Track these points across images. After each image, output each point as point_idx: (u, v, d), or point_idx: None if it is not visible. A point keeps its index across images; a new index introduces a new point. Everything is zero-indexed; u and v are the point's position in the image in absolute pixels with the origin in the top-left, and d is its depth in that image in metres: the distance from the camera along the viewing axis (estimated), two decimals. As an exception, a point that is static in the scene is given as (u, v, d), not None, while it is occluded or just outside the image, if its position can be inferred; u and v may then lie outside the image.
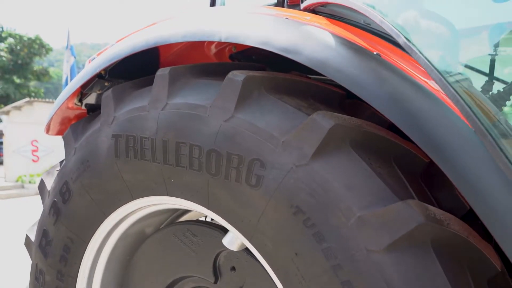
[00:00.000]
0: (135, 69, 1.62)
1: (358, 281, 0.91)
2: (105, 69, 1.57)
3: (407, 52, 1.01)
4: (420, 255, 0.89)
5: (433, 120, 0.88)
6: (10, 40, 30.06)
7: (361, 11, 1.06)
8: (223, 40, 1.16)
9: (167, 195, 1.29)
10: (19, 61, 29.99)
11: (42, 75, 31.55)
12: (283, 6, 1.64)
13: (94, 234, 1.51)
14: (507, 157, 0.71)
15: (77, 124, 1.63)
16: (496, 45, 1.43)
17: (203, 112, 1.16)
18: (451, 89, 0.77)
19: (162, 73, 1.28)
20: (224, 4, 1.95)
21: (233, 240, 1.21)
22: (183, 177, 1.21)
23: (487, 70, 1.44)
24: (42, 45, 30.81)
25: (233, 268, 1.36)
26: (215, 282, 1.38)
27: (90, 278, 1.59)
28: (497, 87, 1.48)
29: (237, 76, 1.12)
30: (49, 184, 1.67)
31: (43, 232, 1.63)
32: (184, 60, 1.79)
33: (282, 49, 1.07)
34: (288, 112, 1.07)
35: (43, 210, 1.65)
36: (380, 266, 0.89)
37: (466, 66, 1.33)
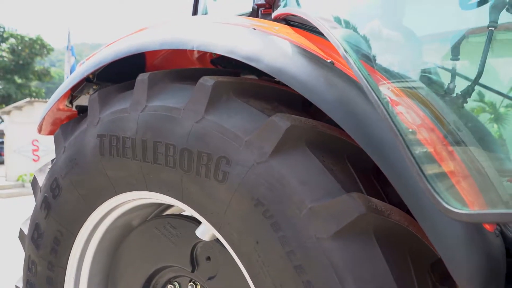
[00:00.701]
0: (125, 72, 1.72)
1: (309, 265, 1.02)
2: (92, 73, 1.68)
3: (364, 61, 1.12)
4: (363, 242, 1.00)
5: (372, 122, 0.99)
6: (12, 40, 30.20)
7: (312, 23, 1.17)
8: (195, 49, 1.27)
9: (147, 190, 1.40)
10: (21, 61, 30.14)
11: (43, 75, 31.70)
12: (257, 16, 1.75)
13: (82, 227, 1.62)
14: (415, 159, 0.81)
15: (66, 124, 1.74)
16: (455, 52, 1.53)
17: (177, 114, 1.27)
18: (373, 94, 0.87)
19: (142, 78, 1.39)
20: (207, 12, 2.06)
21: (205, 231, 1.32)
22: (160, 173, 1.32)
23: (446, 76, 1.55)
24: (43, 45, 30.95)
25: (208, 258, 1.47)
26: (192, 271, 1.49)
27: (78, 269, 1.70)
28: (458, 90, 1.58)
29: (208, 81, 1.23)
30: (41, 180, 1.79)
31: (35, 226, 1.74)
32: (170, 64, 1.90)
33: (245, 57, 1.18)
34: (252, 114, 1.18)
35: (35, 205, 1.76)
36: (327, 251, 1.00)
37: (425, 71, 1.44)
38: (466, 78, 1.52)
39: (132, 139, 1.37)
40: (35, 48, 30.49)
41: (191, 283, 1.54)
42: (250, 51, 1.19)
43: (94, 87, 1.76)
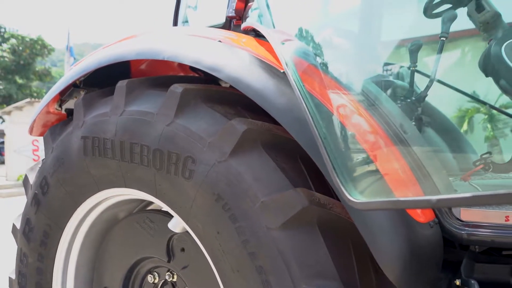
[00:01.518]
0: (114, 76, 1.86)
1: (260, 252, 1.16)
2: (79, 80, 1.82)
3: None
4: (307, 231, 1.14)
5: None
6: (13, 41, 30.36)
7: (266, 37, 1.30)
8: (166, 59, 1.41)
9: (125, 187, 1.53)
10: (22, 62, 30.31)
11: (44, 76, 31.86)
12: (230, 27, 1.89)
13: (69, 221, 1.76)
14: (328, 156, 0.94)
15: (55, 126, 1.88)
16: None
17: (151, 118, 1.41)
18: (303, 102, 1.00)
19: (121, 85, 1.53)
20: (188, 23, 2.19)
21: (176, 224, 1.46)
22: (136, 171, 1.46)
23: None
24: (44, 46, 31.10)
25: (182, 249, 1.60)
26: (169, 261, 1.63)
27: (66, 260, 1.84)
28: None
29: (177, 88, 1.37)
30: (32, 178, 1.92)
31: (26, 221, 1.88)
32: (154, 69, 2.04)
33: (209, 67, 1.32)
34: (216, 118, 1.31)
35: (27, 201, 1.90)
36: (276, 240, 1.14)
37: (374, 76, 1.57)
38: (419, 83, 1.65)
39: (111, 140, 1.50)
40: (36, 48, 30.65)
41: (168, 272, 1.68)
42: (212, 62, 1.33)
43: (81, 92, 1.90)
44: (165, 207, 1.44)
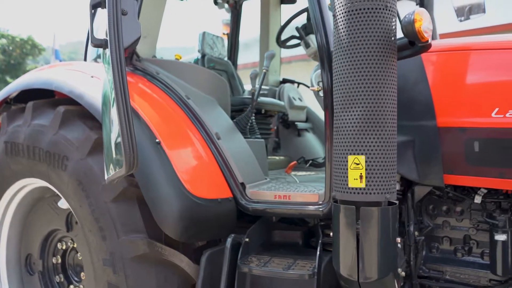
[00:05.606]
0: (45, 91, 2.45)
1: (100, 217, 1.81)
2: (9, 98, 2.44)
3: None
4: (128, 204, 1.78)
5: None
6: (3, 41, 30.73)
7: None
8: (53, 89, 2.04)
9: (32, 177, 2.17)
10: (12, 61, 30.74)
11: (34, 75, 32.11)
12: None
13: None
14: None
15: (-9, 133, 2.51)
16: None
17: (45, 129, 2.05)
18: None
19: (29, 105, 2.17)
20: (99, 54, 2.79)
21: (63, 202, 2.10)
22: (38, 166, 2.09)
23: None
24: (34, 46, 31.52)
25: (76, 222, 2.24)
26: (67, 231, 2.26)
27: (-1, 233, 2.48)
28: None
29: (61, 109, 2.01)
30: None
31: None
32: None
33: (77, 96, 1.95)
34: (84, 130, 1.95)
35: None
36: (109, 209, 1.78)
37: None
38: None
39: (22, 144, 2.14)
40: (26, 48, 31.08)
41: (70, 240, 2.32)
42: (79, 92, 1.96)
43: (12, 107, 2.53)
44: (56, 191, 2.08)
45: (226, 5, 3.63)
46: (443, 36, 2.99)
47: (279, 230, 2.13)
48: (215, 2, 3.53)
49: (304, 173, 2.67)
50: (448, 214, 1.88)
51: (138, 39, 1.31)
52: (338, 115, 1.43)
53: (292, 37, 2.73)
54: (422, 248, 1.91)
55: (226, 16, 3.77)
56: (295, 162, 2.61)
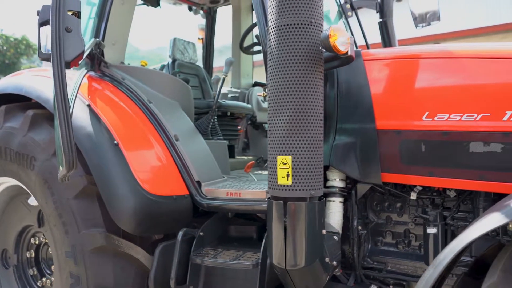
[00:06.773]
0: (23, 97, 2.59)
1: (63, 213, 1.96)
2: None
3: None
4: (88, 200, 1.94)
5: (95, 133, 1.91)
6: (-3, 41, 30.70)
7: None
8: (23, 94, 2.19)
9: (5, 176, 2.32)
10: (6, 61, 30.75)
11: (28, 75, 32.11)
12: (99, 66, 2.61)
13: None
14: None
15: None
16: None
17: (15, 131, 2.20)
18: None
19: (2, 109, 2.31)
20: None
21: (32, 200, 2.25)
22: (9, 166, 2.24)
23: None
24: (28, 45, 31.57)
25: (47, 217, 2.39)
26: (39, 226, 2.41)
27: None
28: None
29: (30, 112, 2.15)
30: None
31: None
32: None
33: (43, 101, 2.10)
34: (51, 132, 2.10)
35: None
36: (71, 205, 1.94)
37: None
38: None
39: (-5, 146, 2.29)
40: (20, 48, 31.10)
41: (42, 235, 2.47)
42: (46, 97, 2.11)
43: None
44: (26, 189, 2.23)
45: (202, 11, 3.79)
46: (402, 42, 3.16)
47: (235, 225, 2.28)
48: (190, 9, 3.68)
49: (264, 172, 2.83)
50: (390, 210, 2.04)
51: (82, 53, 1.47)
52: (270, 119, 1.58)
53: (254, 44, 2.89)
54: (367, 242, 2.07)
55: (203, 21, 3.93)
56: (253, 161, 2.77)
